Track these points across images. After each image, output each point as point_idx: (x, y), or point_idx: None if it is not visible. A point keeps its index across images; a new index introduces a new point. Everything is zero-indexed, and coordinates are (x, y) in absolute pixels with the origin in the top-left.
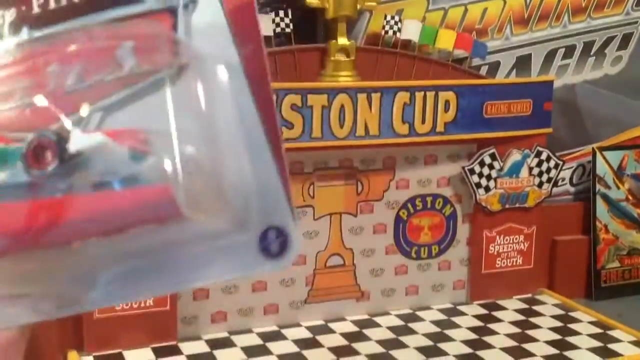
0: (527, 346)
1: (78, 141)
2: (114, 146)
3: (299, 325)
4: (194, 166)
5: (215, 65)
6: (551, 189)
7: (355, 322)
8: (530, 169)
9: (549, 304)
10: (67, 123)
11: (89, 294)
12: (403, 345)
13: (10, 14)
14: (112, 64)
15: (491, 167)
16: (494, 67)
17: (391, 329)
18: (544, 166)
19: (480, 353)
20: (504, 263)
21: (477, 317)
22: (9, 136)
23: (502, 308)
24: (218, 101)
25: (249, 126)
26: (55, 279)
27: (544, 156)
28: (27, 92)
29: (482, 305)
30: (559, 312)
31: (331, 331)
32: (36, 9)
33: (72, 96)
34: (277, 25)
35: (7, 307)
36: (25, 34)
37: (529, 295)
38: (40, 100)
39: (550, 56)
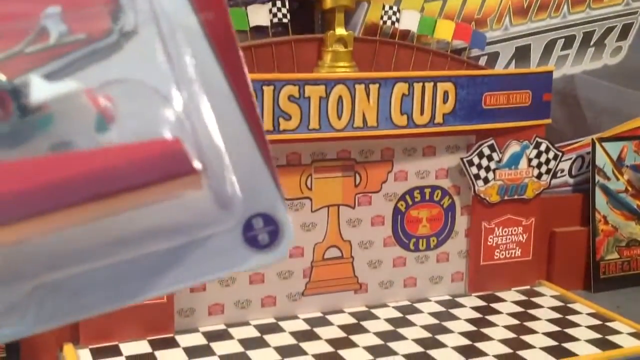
0: (526, 338)
1: (41, 90)
2: (84, 103)
3: (296, 317)
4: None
5: (168, 29)
6: (550, 181)
7: (353, 314)
8: (530, 160)
9: (548, 295)
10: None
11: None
12: (401, 337)
13: None
14: (33, 32)
15: (490, 158)
16: (493, 58)
17: (389, 320)
18: (543, 157)
19: (479, 345)
20: (502, 255)
21: (476, 309)
22: None
23: (501, 300)
24: (175, 68)
25: (218, 95)
26: None
27: (543, 147)
28: None
29: (480, 297)
30: (558, 303)
31: (329, 323)
32: None
33: None
34: (274, 15)
35: None
36: None
37: (528, 287)
38: None
39: (549, 47)
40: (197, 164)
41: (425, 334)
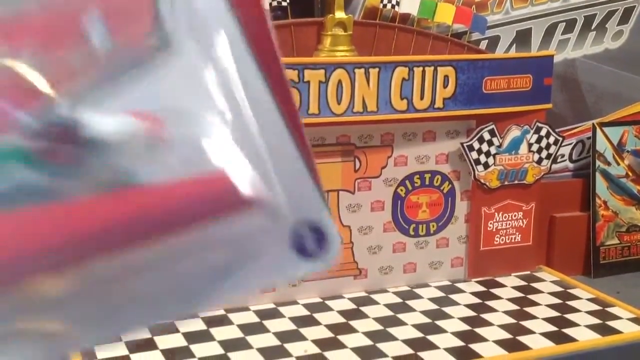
0: (526, 323)
1: (98, 124)
2: (136, 129)
3: (295, 302)
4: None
5: (211, 32)
6: (550, 166)
7: (352, 300)
8: (530, 145)
9: (548, 280)
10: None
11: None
12: (401, 323)
13: None
14: (77, 38)
15: (490, 143)
16: (494, 42)
17: (389, 306)
18: (544, 142)
19: (479, 330)
20: (502, 240)
21: (475, 294)
22: None
23: (501, 285)
24: (218, 75)
25: (259, 102)
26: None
27: (543, 132)
28: None
29: (480, 283)
30: (558, 289)
31: (328, 308)
32: None
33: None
34: None
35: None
36: None
37: (528, 272)
38: None
39: (550, 31)
40: (246, 192)
41: (425, 319)
